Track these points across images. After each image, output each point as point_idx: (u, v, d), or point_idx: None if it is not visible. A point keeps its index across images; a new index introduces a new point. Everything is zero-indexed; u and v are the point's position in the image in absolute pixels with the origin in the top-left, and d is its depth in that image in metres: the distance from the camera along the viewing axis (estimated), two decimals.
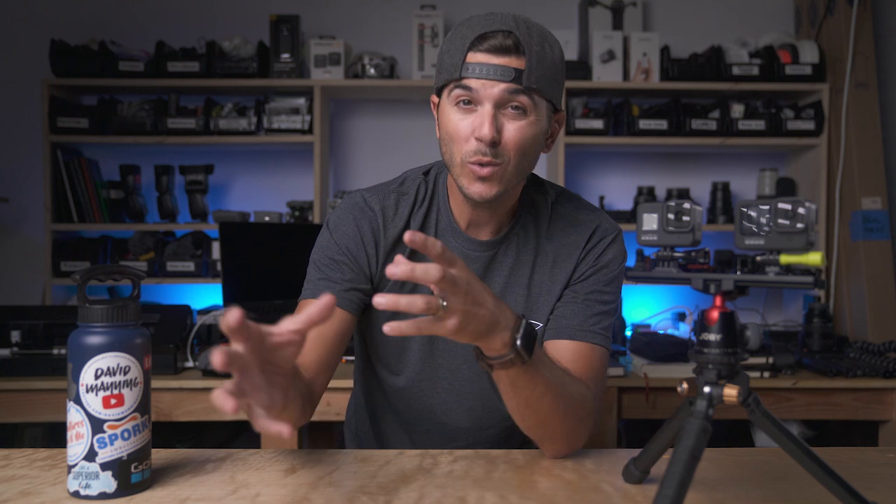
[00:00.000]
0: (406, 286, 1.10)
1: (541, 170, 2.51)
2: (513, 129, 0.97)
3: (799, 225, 0.67)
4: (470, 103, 0.97)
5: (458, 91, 0.97)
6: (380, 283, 1.09)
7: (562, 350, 1.06)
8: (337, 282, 1.06)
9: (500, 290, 1.10)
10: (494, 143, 0.96)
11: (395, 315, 1.10)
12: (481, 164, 0.97)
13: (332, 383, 1.09)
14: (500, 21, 0.96)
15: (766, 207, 0.69)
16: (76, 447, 0.80)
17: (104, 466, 0.80)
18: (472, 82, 0.95)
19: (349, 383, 1.34)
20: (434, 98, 1.06)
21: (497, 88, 0.95)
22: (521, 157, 0.99)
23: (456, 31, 0.99)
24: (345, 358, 1.95)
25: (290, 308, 2.87)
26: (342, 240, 1.08)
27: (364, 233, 1.08)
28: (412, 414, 1.17)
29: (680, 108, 2.71)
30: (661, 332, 2.54)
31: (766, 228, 0.69)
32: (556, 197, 1.14)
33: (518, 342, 0.82)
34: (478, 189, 0.99)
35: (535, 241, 1.11)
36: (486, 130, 0.95)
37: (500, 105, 0.96)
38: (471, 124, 0.97)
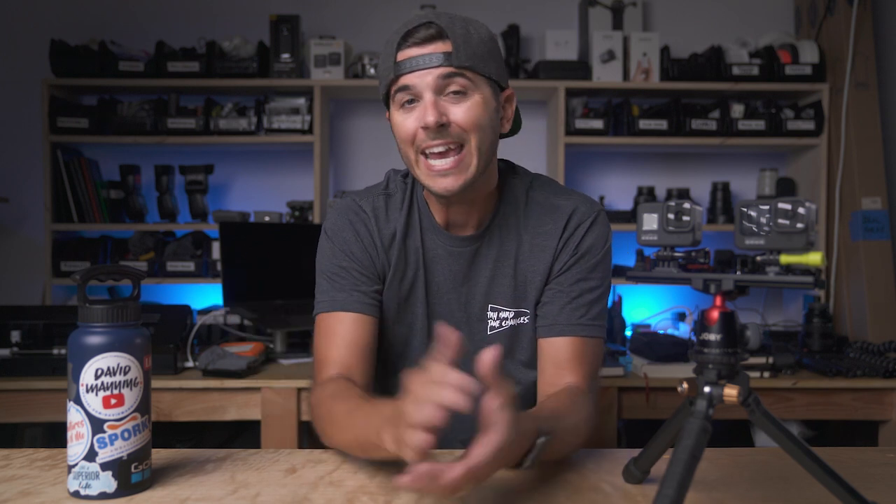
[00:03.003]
0: (405, 281, 1.10)
1: (540, 170, 2.51)
2: (460, 110, 0.98)
3: (799, 225, 0.67)
4: (413, 102, 0.99)
5: (399, 93, 0.99)
6: (382, 280, 1.11)
7: (555, 347, 1.06)
8: (354, 291, 1.07)
9: (487, 282, 1.11)
10: (442, 126, 0.97)
11: (399, 318, 1.12)
12: (440, 156, 0.98)
13: None
14: (422, 17, 0.99)
15: (766, 207, 0.69)
16: (76, 447, 0.80)
17: (104, 466, 0.80)
18: (407, 78, 0.98)
19: None
20: (388, 114, 1.06)
21: (431, 76, 0.97)
22: (481, 137, 0.99)
23: (386, 41, 1.02)
24: None
25: (290, 308, 2.85)
26: (344, 245, 1.09)
27: (362, 234, 1.10)
28: None
29: (680, 108, 2.71)
30: (661, 332, 2.54)
31: (766, 228, 0.69)
32: (530, 183, 1.13)
33: (526, 464, 0.81)
34: (443, 184, 0.99)
35: (516, 230, 1.11)
36: (429, 117, 0.96)
37: (439, 92, 0.97)
38: (415, 119, 0.98)
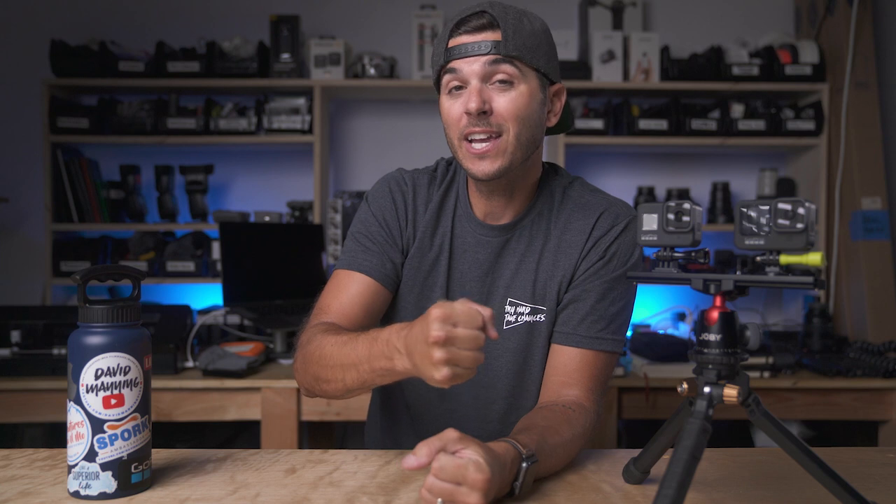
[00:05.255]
0: (424, 262, 1.12)
1: None
2: (503, 100, 1.01)
3: (799, 225, 0.67)
4: (460, 88, 1.02)
5: (447, 77, 1.03)
6: (405, 254, 1.14)
7: (566, 357, 1.05)
8: (376, 256, 1.10)
9: (510, 276, 1.11)
10: (484, 113, 1.00)
11: (415, 304, 1.13)
12: (480, 141, 1.01)
13: None
14: (476, 6, 1.03)
15: (766, 207, 0.69)
16: (76, 447, 0.80)
17: (104, 466, 0.80)
18: (455, 63, 1.01)
19: None
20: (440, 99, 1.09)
21: (478, 63, 1.00)
22: (521, 128, 1.02)
23: (443, 27, 1.06)
24: None
25: (290, 308, 2.84)
26: (379, 211, 1.13)
27: (398, 204, 1.13)
28: (421, 401, 1.16)
29: (680, 108, 2.71)
30: (661, 332, 2.54)
31: (765, 228, 0.69)
32: (570, 183, 1.15)
33: (517, 490, 0.82)
34: (480, 167, 1.02)
35: (546, 227, 1.11)
36: (471, 103, 0.99)
37: (485, 79, 1.01)
38: (461, 104, 1.02)
